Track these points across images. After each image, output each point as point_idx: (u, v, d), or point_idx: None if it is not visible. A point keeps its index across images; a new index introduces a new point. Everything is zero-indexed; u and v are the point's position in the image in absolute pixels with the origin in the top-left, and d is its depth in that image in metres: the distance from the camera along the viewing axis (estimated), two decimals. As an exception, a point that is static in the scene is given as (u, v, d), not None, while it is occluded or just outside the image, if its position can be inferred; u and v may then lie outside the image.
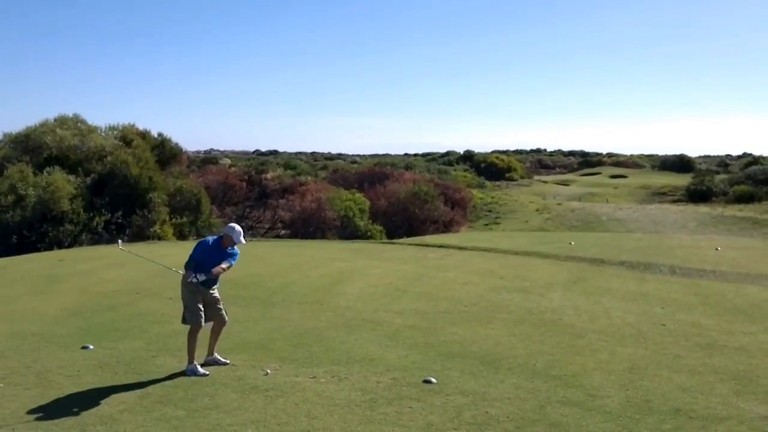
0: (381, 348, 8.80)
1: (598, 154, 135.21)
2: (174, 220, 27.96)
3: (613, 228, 39.98)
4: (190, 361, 7.69)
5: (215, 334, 8.10)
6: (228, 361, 8.05)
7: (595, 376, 7.68)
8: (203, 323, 7.84)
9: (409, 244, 22.08)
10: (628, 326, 10.26)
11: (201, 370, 7.64)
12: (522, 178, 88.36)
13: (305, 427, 6.03)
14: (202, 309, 7.82)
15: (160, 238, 25.90)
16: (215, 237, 8.06)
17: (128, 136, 30.47)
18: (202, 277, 7.67)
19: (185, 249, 8.28)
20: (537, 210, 50.80)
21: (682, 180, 71.99)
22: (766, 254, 20.10)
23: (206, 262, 7.74)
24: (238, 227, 7.95)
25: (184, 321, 7.91)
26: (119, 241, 10.68)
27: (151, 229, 26.44)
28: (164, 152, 32.07)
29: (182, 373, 7.60)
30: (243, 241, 7.90)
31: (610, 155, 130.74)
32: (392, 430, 6.00)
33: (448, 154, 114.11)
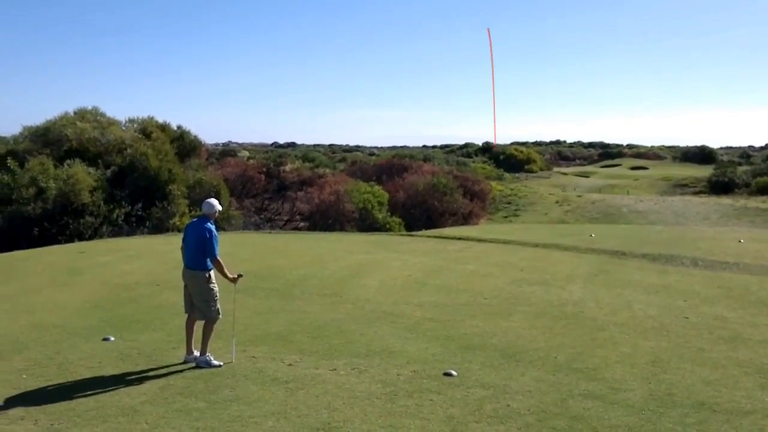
0: (401, 340, 8.77)
1: (618, 146, 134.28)
2: (193, 213, 28.10)
3: (634, 220, 39.65)
4: (205, 351, 7.71)
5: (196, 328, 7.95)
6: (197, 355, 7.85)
7: (617, 369, 7.62)
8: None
9: (428, 237, 22.00)
10: (651, 319, 10.16)
11: (215, 361, 7.66)
12: (541, 170, 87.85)
13: (325, 420, 6.02)
14: None
15: (179, 230, 26.06)
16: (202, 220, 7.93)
17: (148, 129, 30.61)
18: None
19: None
20: (557, 202, 50.50)
21: (704, 171, 71.18)
22: (791, 246, 19.79)
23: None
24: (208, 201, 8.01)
25: (210, 316, 7.78)
26: None
27: (170, 221, 26.62)
28: (183, 145, 32.20)
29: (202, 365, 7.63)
30: (217, 207, 7.87)
31: (630, 147, 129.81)
32: (413, 423, 5.97)
33: (466, 146, 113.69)
